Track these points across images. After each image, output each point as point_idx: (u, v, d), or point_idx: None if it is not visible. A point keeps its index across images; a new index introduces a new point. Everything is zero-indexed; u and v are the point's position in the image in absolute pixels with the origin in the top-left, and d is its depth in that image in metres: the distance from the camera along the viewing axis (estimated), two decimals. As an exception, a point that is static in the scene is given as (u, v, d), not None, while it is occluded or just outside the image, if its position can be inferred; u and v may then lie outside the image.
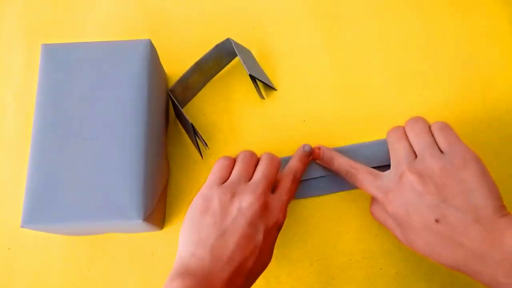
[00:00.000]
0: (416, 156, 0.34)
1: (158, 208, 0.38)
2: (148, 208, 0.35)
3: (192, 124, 0.40)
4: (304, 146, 0.40)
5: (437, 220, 0.31)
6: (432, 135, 0.35)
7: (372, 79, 0.45)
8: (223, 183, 0.35)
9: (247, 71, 0.41)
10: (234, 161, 0.37)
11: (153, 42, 0.39)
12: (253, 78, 0.43)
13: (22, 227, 0.34)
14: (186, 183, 0.42)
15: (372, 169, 0.36)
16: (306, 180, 0.41)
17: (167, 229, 0.41)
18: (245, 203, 0.33)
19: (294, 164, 0.38)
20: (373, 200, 0.37)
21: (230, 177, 0.36)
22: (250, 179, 0.35)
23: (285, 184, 0.37)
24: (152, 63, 0.38)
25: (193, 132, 0.41)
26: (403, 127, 0.36)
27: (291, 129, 0.44)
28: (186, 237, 0.33)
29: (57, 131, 0.36)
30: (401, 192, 0.33)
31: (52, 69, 0.37)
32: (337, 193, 0.41)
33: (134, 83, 0.37)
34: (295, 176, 0.37)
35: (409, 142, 0.35)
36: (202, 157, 0.43)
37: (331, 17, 0.48)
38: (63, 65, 0.37)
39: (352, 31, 0.47)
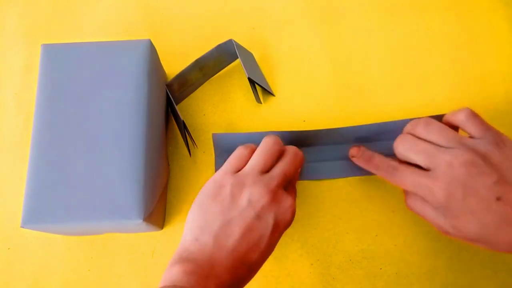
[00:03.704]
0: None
1: (158, 208, 0.38)
2: (148, 208, 0.35)
3: (183, 121, 0.40)
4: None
5: (498, 199, 0.30)
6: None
7: (372, 79, 0.45)
8: (238, 171, 0.35)
9: (246, 74, 0.41)
10: (253, 150, 0.36)
11: (153, 42, 0.39)
12: (251, 82, 0.43)
13: (22, 227, 0.34)
14: (186, 183, 0.42)
15: (413, 165, 0.35)
16: (319, 161, 0.42)
17: (167, 229, 0.41)
18: (256, 196, 0.33)
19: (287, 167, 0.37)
20: (408, 193, 0.35)
21: (246, 166, 0.35)
22: (267, 171, 0.35)
23: (293, 184, 0.37)
24: (152, 63, 0.38)
25: (183, 129, 0.41)
26: (409, 134, 0.35)
27: (292, 129, 0.44)
28: (192, 221, 0.33)
29: (57, 131, 0.36)
30: (451, 178, 0.32)
31: (52, 69, 0.37)
32: (336, 194, 0.41)
33: (134, 83, 0.37)
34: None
35: (428, 141, 0.34)
36: (190, 155, 0.43)
37: (331, 16, 0.48)
38: (63, 65, 0.37)
39: (352, 30, 0.47)
